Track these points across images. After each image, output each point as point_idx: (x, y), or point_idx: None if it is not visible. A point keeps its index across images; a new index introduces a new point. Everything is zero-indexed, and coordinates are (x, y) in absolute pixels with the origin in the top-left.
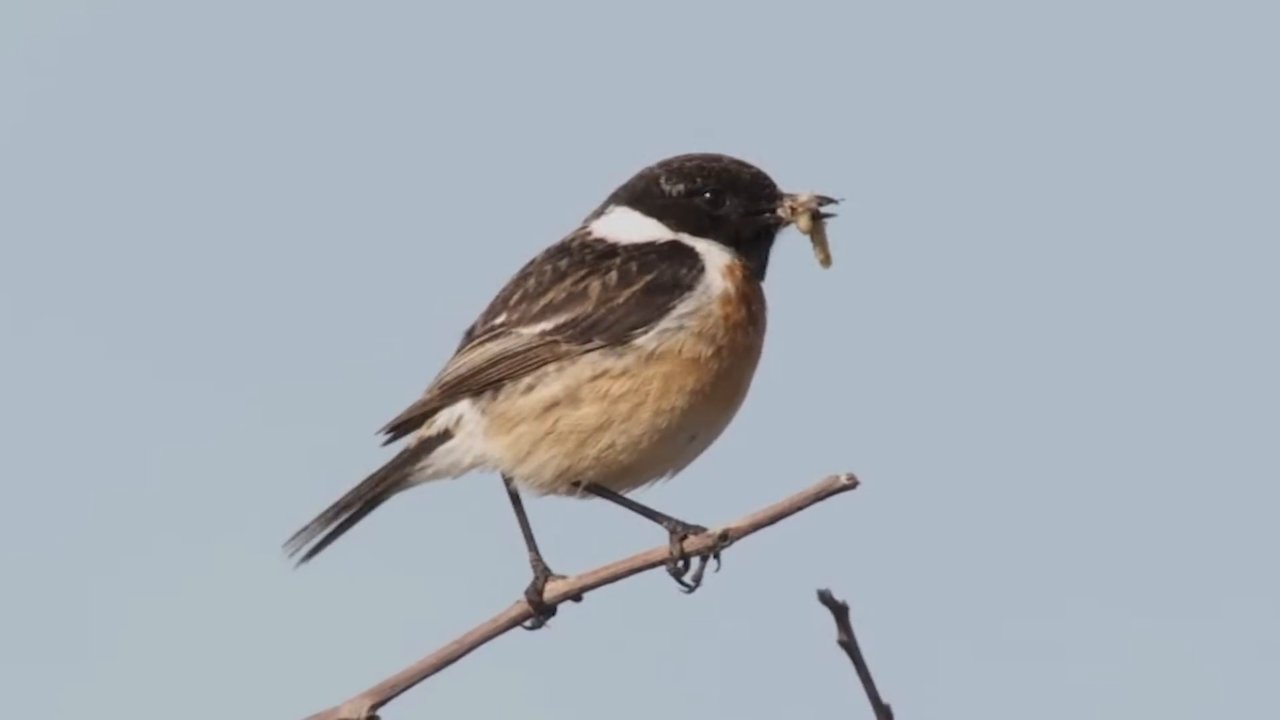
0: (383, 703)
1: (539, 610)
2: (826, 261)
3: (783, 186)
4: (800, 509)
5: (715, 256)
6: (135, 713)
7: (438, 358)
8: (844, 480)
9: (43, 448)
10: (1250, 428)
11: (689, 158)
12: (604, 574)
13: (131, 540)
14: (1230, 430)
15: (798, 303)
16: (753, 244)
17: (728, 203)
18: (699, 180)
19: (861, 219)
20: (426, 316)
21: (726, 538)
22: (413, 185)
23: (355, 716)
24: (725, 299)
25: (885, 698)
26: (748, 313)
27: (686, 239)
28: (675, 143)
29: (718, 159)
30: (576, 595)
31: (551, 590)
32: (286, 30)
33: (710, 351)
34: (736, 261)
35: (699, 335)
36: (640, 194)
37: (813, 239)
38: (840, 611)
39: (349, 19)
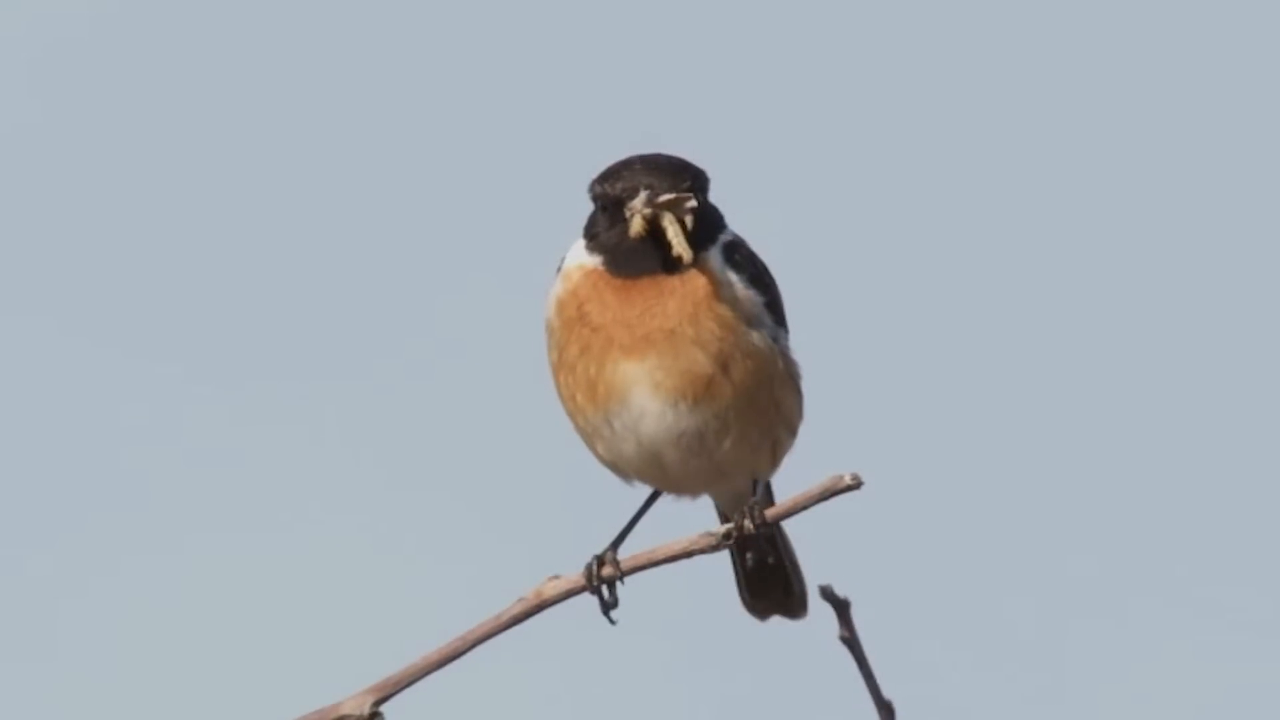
0: (385, 699)
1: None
2: (678, 259)
3: (651, 189)
4: (805, 508)
5: (571, 263)
6: (138, 711)
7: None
8: (848, 480)
9: (42, 449)
10: (1251, 426)
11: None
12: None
13: (133, 539)
14: (1231, 429)
15: (799, 304)
16: (622, 248)
17: (608, 212)
18: (594, 191)
19: (868, 220)
20: (427, 316)
21: (730, 536)
22: (413, 185)
23: (358, 712)
24: (557, 302)
25: (887, 694)
26: (578, 311)
27: (578, 247)
28: (667, 142)
29: (611, 166)
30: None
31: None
32: (286, 30)
33: (554, 354)
34: (589, 266)
35: (548, 336)
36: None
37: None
38: (842, 607)
39: (348, 19)
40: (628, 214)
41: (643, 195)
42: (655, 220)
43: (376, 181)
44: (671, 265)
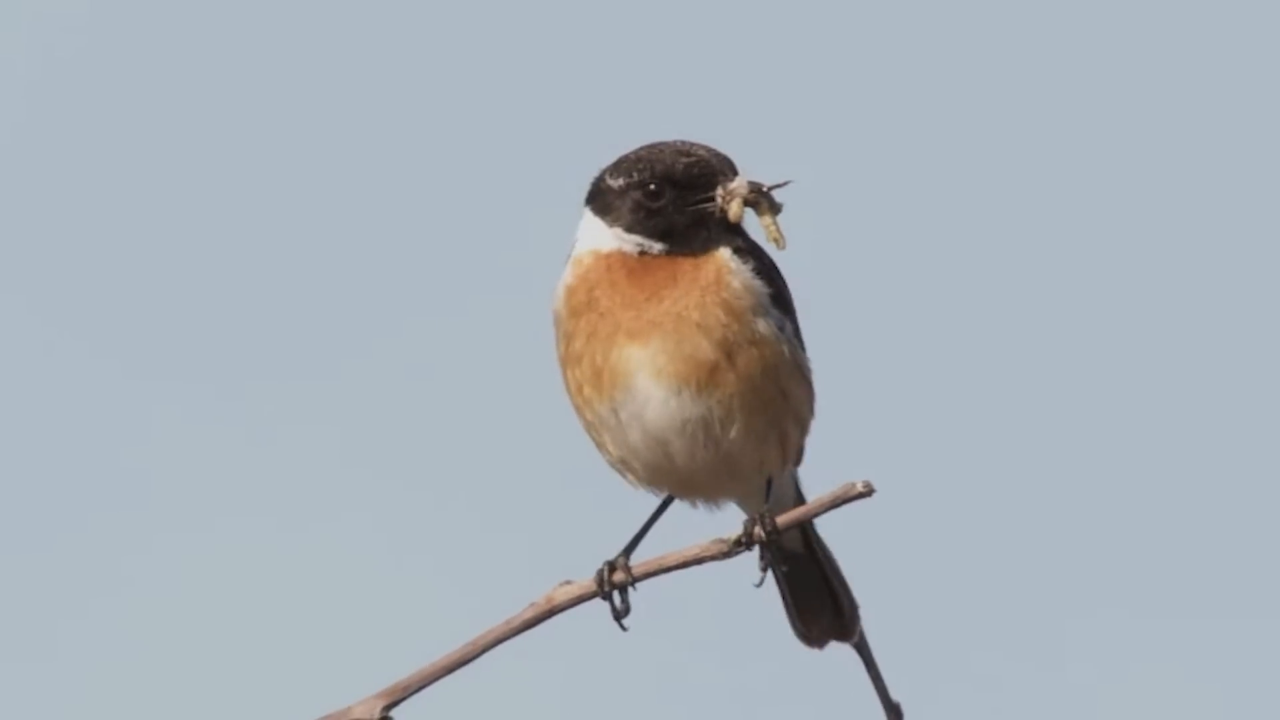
0: (396, 703)
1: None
2: (777, 244)
3: (736, 173)
4: (818, 515)
5: (584, 249)
6: (147, 714)
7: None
8: (860, 488)
9: (44, 453)
10: (1252, 433)
11: (637, 150)
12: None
13: (141, 543)
14: (1231, 435)
15: (808, 306)
16: (690, 233)
17: (666, 194)
18: (635, 174)
19: (878, 225)
20: (426, 316)
21: (741, 543)
22: (412, 185)
23: (368, 717)
24: (566, 290)
25: (895, 696)
26: (587, 296)
27: (594, 233)
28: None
29: (659, 149)
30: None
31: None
32: (286, 30)
33: (562, 346)
34: (607, 250)
35: (555, 329)
36: (594, 192)
37: (761, 223)
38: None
39: (349, 19)
40: (723, 197)
41: (744, 181)
42: (755, 205)
43: (378, 184)
44: (705, 248)
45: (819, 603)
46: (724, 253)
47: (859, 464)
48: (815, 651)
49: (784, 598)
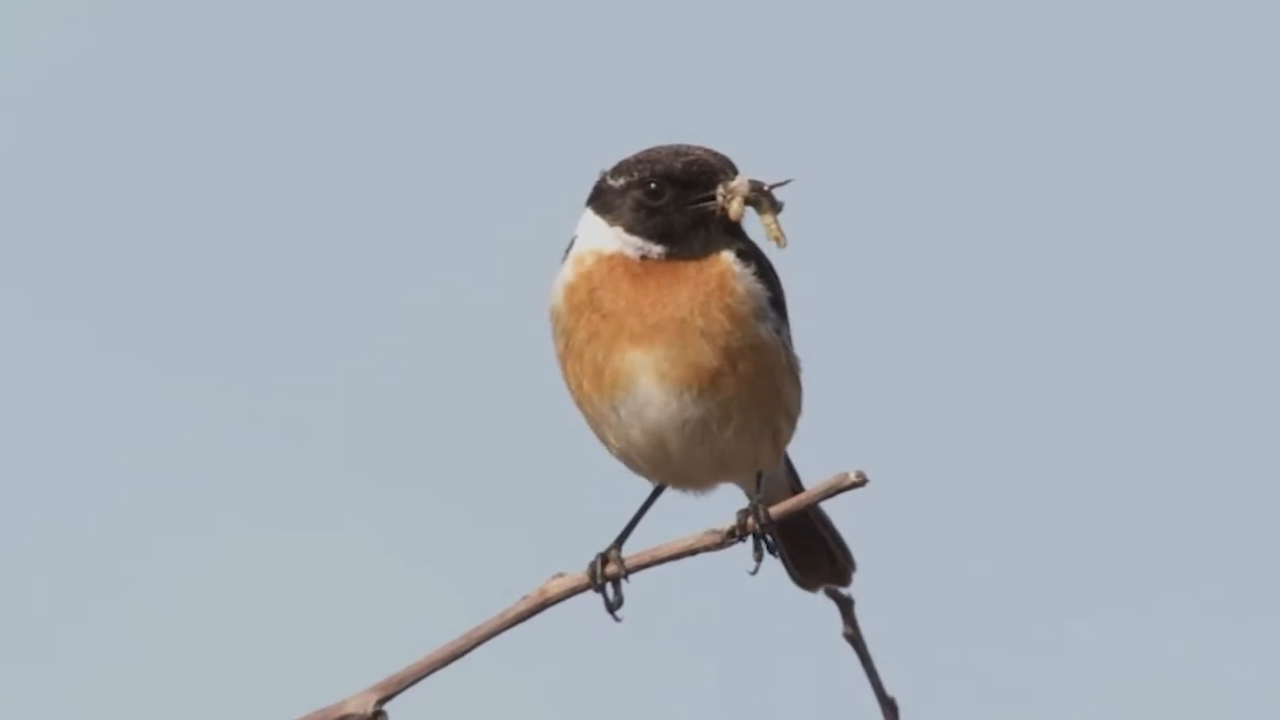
0: (389, 697)
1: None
2: (778, 242)
3: (736, 172)
4: (810, 504)
5: (585, 248)
6: (142, 708)
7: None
8: (853, 478)
9: (42, 452)
10: (1252, 433)
11: (637, 152)
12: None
13: (137, 540)
14: (1231, 435)
15: (807, 302)
16: (691, 234)
17: (666, 194)
18: (636, 174)
19: (877, 218)
20: (425, 316)
21: (734, 534)
22: (412, 185)
23: (362, 711)
24: (566, 288)
25: (890, 691)
26: (589, 296)
27: (595, 233)
28: (666, 138)
29: (659, 150)
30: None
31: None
32: (285, 30)
33: (561, 342)
34: (609, 251)
35: (553, 324)
36: (595, 192)
37: (762, 222)
38: (846, 605)
39: (348, 19)
40: (723, 195)
41: (745, 179)
42: (756, 204)
43: (378, 185)
44: (705, 249)
45: (815, 558)
46: (728, 255)
47: (856, 456)
48: (810, 594)
49: (782, 554)
